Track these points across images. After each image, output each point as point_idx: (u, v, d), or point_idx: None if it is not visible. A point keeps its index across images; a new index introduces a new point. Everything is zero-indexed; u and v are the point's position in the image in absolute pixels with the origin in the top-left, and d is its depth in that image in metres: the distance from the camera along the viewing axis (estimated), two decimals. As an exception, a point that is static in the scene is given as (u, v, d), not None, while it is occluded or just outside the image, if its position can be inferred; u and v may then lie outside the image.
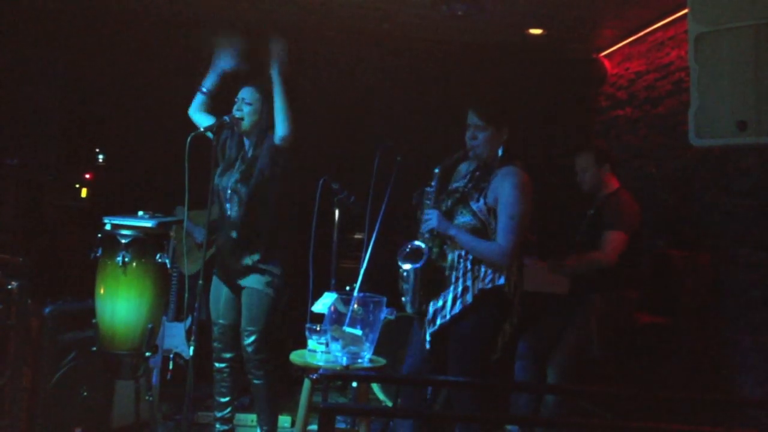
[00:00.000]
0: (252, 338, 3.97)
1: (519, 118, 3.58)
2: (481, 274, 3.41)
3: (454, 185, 3.59)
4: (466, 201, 3.47)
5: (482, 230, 3.41)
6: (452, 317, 3.39)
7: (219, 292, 4.09)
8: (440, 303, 3.43)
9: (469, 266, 3.42)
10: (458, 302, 3.39)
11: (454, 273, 3.43)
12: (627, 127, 5.74)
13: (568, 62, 6.27)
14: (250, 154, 4.02)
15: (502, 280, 3.39)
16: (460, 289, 3.41)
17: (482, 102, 3.54)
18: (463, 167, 3.66)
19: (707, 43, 2.66)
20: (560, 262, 4.39)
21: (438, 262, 3.46)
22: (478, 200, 3.44)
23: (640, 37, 5.54)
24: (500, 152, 3.49)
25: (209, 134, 3.94)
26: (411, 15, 5.45)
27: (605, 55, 6.12)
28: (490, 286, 3.38)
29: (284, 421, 4.47)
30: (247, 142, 4.05)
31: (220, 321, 4.08)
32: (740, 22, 2.57)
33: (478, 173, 3.53)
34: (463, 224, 3.42)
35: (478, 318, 3.39)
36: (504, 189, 3.39)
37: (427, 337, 3.45)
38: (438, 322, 3.42)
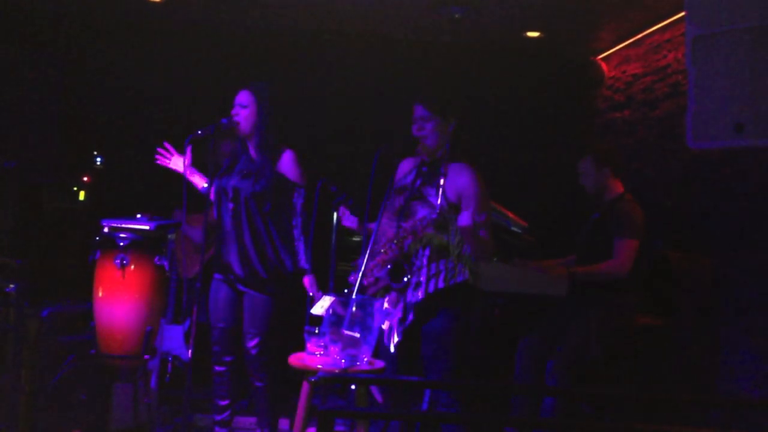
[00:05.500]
0: (256, 340, 3.97)
1: (467, 110, 3.69)
2: (435, 272, 3.48)
3: (401, 183, 3.66)
4: (422, 196, 3.54)
5: (443, 224, 3.47)
6: (417, 306, 3.49)
7: (218, 294, 4.08)
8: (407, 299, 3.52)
9: (425, 262, 3.49)
10: (420, 290, 3.48)
11: (415, 264, 3.51)
12: (625, 129, 5.74)
13: (565, 65, 6.28)
14: (255, 157, 4.02)
15: (460, 278, 3.48)
16: (423, 278, 3.49)
17: (426, 94, 3.65)
18: (405, 164, 3.74)
19: (704, 45, 2.66)
20: (571, 268, 4.34)
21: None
22: (436, 195, 3.49)
23: (638, 39, 5.55)
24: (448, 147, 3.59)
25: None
26: (408, 17, 5.46)
27: (602, 58, 6.13)
28: (443, 285, 3.47)
29: (283, 423, 4.46)
30: (249, 145, 4.06)
31: (220, 324, 4.06)
32: (738, 24, 2.58)
33: (425, 168, 3.60)
34: (424, 218, 3.47)
35: (444, 317, 3.48)
36: (465, 186, 3.48)
37: (395, 339, 3.52)
38: (408, 318, 3.51)
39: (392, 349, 3.53)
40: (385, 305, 3.58)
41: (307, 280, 4.01)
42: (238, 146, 4.08)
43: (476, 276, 3.53)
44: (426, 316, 3.51)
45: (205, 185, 4.05)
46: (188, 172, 4.06)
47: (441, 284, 3.48)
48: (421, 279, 3.48)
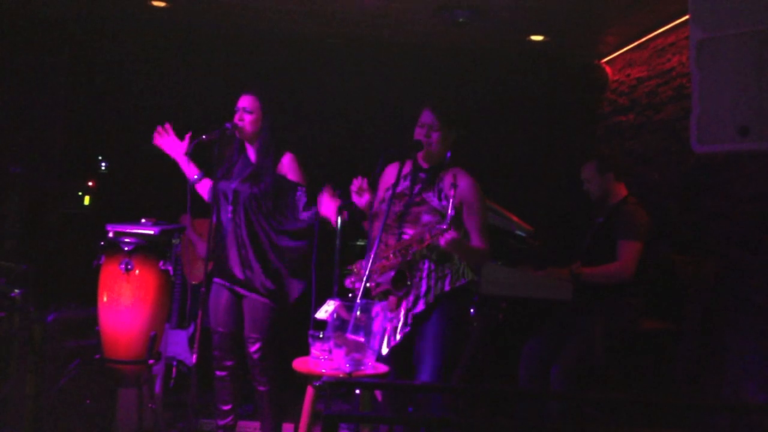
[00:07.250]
0: (257, 345, 3.97)
1: (471, 121, 3.73)
2: (441, 275, 3.53)
3: (399, 189, 3.64)
4: (424, 202, 3.55)
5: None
6: (416, 316, 3.52)
7: (218, 299, 4.08)
8: (411, 301, 3.54)
9: (433, 266, 3.51)
10: (421, 301, 3.52)
11: (417, 273, 3.52)
12: (629, 133, 5.74)
13: (569, 68, 6.27)
14: (254, 160, 4.03)
15: (464, 280, 3.56)
16: (423, 289, 3.51)
17: (439, 103, 3.66)
18: (392, 170, 3.73)
19: (709, 48, 2.66)
20: (576, 269, 4.33)
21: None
22: (440, 198, 3.52)
23: (642, 43, 5.54)
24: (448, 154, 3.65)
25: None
26: (413, 22, 5.46)
27: (607, 62, 6.12)
28: (448, 288, 3.52)
29: (287, 428, 4.46)
30: (249, 148, 4.07)
31: (220, 329, 4.06)
32: (742, 27, 2.58)
33: (422, 174, 3.62)
34: (432, 226, 3.44)
35: (443, 317, 3.52)
36: (466, 192, 3.52)
37: (391, 342, 3.54)
38: (409, 321, 3.54)
39: (384, 351, 3.54)
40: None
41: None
42: (236, 149, 4.09)
43: (477, 277, 3.58)
44: (422, 321, 3.55)
45: (196, 177, 4.08)
46: (184, 160, 4.10)
47: (447, 287, 3.52)
48: (421, 292, 3.52)
